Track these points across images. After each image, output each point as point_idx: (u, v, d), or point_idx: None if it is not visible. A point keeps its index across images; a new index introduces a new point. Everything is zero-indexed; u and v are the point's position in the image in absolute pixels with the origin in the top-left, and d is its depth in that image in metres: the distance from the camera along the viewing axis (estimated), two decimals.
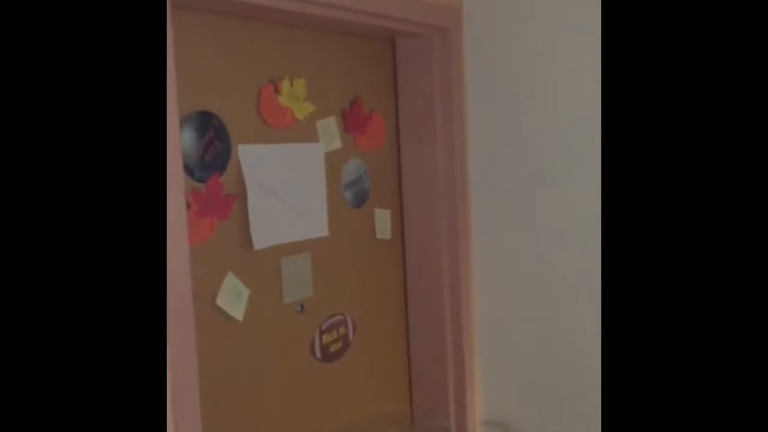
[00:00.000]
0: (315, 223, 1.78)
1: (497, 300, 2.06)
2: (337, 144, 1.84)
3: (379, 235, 1.99)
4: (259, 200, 1.62)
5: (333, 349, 1.86)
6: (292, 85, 1.70)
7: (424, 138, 2.03)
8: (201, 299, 1.49)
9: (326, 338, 1.83)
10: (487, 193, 2.04)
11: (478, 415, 2.11)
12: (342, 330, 1.89)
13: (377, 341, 2.01)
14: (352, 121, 1.88)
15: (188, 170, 1.48)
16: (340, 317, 1.88)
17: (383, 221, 2.00)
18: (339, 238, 1.86)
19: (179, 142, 1.26)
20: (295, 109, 1.71)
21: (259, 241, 1.62)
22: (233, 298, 1.57)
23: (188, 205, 1.46)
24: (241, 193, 1.59)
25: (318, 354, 1.81)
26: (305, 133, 1.75)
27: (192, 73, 1.48)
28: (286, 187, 1.69)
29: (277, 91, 1.67)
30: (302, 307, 1.76)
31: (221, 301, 1.55)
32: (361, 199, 1.93)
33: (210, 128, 1.52)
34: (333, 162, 1.83)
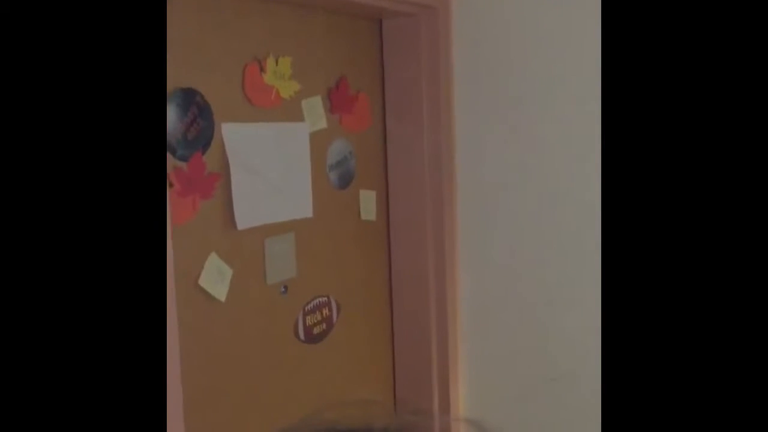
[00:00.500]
0: (299, 204, 1.76)
1: (483, 283, 2.06)
2: (322, 124, 1.82)
3: (363, 217, 1.98)
4: (243, 180, 1.60)
5: (316, 330, 1.85)
6: (277, 63, 1.67)
7: (411, 119, 2.01)
8: (183, 279, 1.47)
9: (310, 320, 1.82)
10: (473, 175, 2.03)
11: (461, 401, 2.11)
12: (326, 312, 1.87)
13: (361, 323, 2.00)
14: (338, 101, 1.86)
15: (170, 148, 1.45)
16: (324, 299, 1.87)
17: (368, 202, 1.99)
18: (323, 218, 1.84)
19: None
20: (280, 87, 1.69)
21: (243, 221, 1.60)
22: (216, 278, 1.55)
23: (170, 184, 1.44)
24: (224, 173, 1.57)
25: (301, 335, 1.80)
26: (290, 112, 1.73)
27: (175, 50, 1.46)
28: (271, 167, 1.67)
29: (262, 69, 1.65)
30: (286, 288, 1.75)
31: (204, 281, 1.53)
32: (346, 180, 1.92)
33: (193, 105, 1.50)
34: (318, 142, 1.81)
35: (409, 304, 2.08)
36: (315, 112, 1.79)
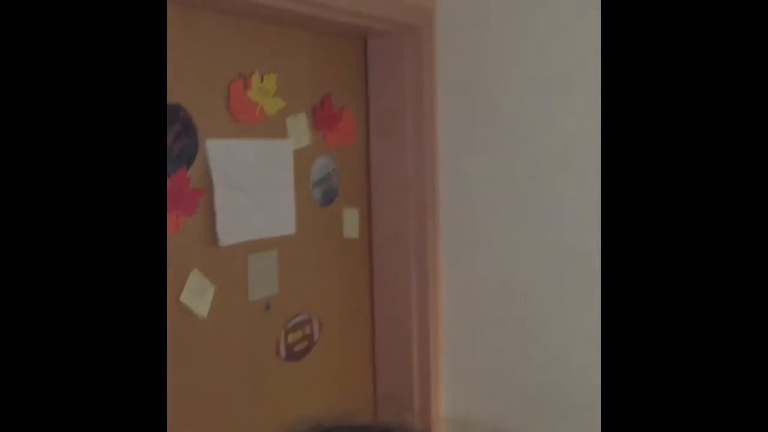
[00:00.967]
0: (282, 221, 1.76)
1: (465, 301, 2.06)
2: (306, 141, 1.82)
3: (346, 234, 1.98)
4: (227, 196, 1.59)
5: (297, 348, 1.84)
6: (262, 80, 1.68)
7: (394, 137, 2.02)
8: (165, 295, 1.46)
9: (291, 337, 1.81)
10: (456, 193, 2.04)
11: (442, 419, 2.11)
12: (307, 329, 1.87)
13: (342, 342, 1.99)
14: (322, 118, 1.87)
15: None
16: (306, 316, 1.86)
17: (351, 220, 1.99)
18: (306, 236, 1.84)
19: None
20: (265, 104, 1.69)
21: (225, 238, 1.60)
22: (198, 294, 1.54)
23: None
24: (207, 189, 1.56)
25: (282, 353, 1.79)
26: (274, 129, 1.73)
27: None
28: (254, 184, 1.67)
29: (246, 85, 1.65)
30: (268, 305, 1.74)
31: (186, 297, 1.52)
32: (329, 197, 1.92)
33: (177, 121, 1.49)
34: (302, 159, 1.81)
35: (391, 323, 2.08)
36: (299, 129, 1.79)
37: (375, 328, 2.09)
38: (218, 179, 1.57)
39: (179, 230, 1.50)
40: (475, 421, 2.06)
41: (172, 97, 1.48)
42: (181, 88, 1.50)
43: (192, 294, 1.53)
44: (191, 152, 1.52)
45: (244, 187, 1.64)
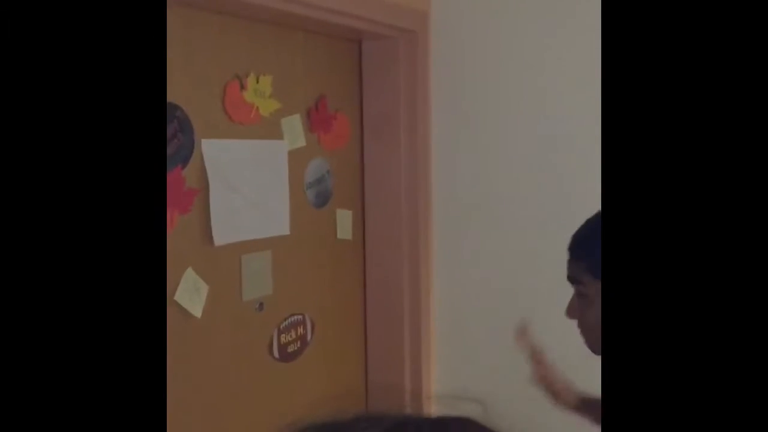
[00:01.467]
0: (276, 221, 1.76)
1: (457, 303, 2.07)
2: (301, 142, 1.83)
3: (340, 235, 1.99)
4: (222, 196, 1.60)
5: (290, 349, 1.84)
6: (258, 81, 1.68)
7: (388, 140, 2.03)
8: None
9: (284, 338, 1.82)
10: (449, 195, 2.05)
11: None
12: (300, 330, 1.87)
13: (335, 342, 2.00)
14: (316, 120, 1.87)
15: None
16: (299, 317, 1.86)
17: (345, 222, 2.00)
18: (300, 237, 1.84)
19: None
20: (261, 105, 1.70)
21: (220, 237, 1.60)
22: (192, 294, 1.55)
23: None
24: (202, 188, 1.57)
25: (276, 353, 1.79)
26: (270, 130, 1.74)
27: None
28: (249, 184, 1.67)
29: (242, 86, 1.66)
30: (261, 305, 1.74)
31: (180, 296, 1.52)
32: (323, 199, 1.93)
33: (174, 120, 1.50)
34: (296, 160, 1.82)
35: (383, 324, 2.09)
36: (294, 131, 1.80)
37: (367, 329, 2.10)
38: (214, 179, 1.58)
39: (173, 228, 1.50)
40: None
41: (169, 97, 1.48)
42: (178, 87, 1.51)
43: (186, 293, 1.53)
44: (187, 151, 1.53)
45: (239, 187, 1.64)
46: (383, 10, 1.85)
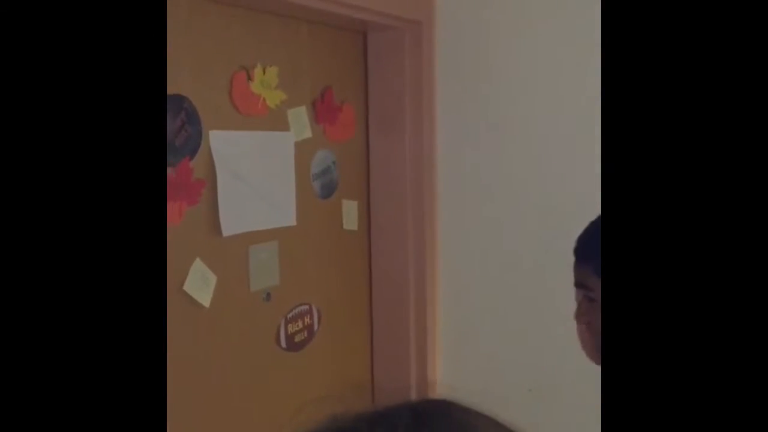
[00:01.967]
0: (283, 212, 1.78)
1: (462, 293, 2.08)
2: (307, 133, 1.84)
3: (346, 226, 2.00)
4: (229, 187, 1.61)
5: (297, 339, 1.85)
6: (264, 72, 1.69)
7: (393, 131, 2.04)
8: (168, 284, 1.47)
9: (291, 328, 1.83)
10: (454, 186, 2.06)
11: None
12: (307, 320, 1.88)
13: (341, 333, 2.01)
14: (322, 111, 1.88)
15: None
16: (306, 307, 1.88)
17: (350, 212, 2.01)
18: (306, 227, 1.86)
19: None
20: (267, 96, 1.70)
21: (228, 228, 1.61)
22: (201, 284, 1.56)
23: None
24: (210, 179, 1.58)
25: (283, 343, 1.81)
26: (276, 121, 1.75)
27: None
28: (256, 175, 1.68)
29: (249, 77, 1.66)
30: (268, 295, 1.76)
31: (189, 287, 1.53)
32: (329, 190, 1.94)
33: (182, 112, 1.51)
34: (303, 151, 1.83)
35: (389, 314, 2.10)
36: (300, 122, 1.81)
37: (373, 319, 2.11)
38: (222, 170, 1.59)
39: (181, 220, 1.51)
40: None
41: (176, 88, 1.49)
42: (185, 79, 1.52)
43: (195, 283, 1.55)
44: (195, 143, 1.54)
45: (247, 178, 1.65)
46: (388, 1, 1.85)
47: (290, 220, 1.79)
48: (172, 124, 1.49)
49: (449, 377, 2.11)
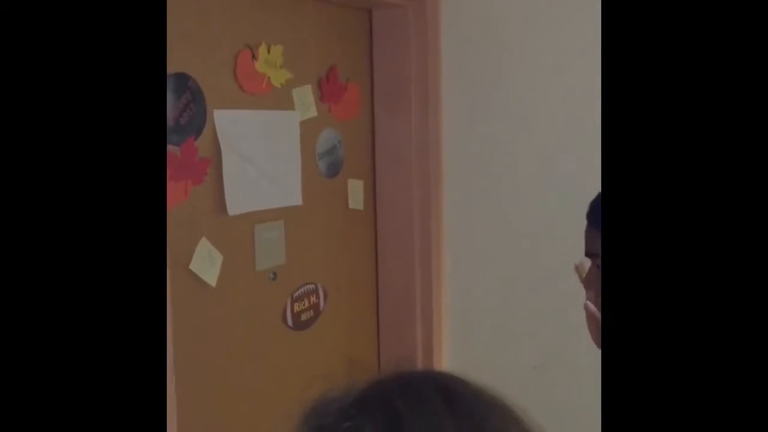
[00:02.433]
0: (289, 192, 1.78)
1: (468, 273, 2.08)
2: (312, 113, 1.83)
3: (351, 205, 2.00)
4: (235, 166, 1.61)
5: (304, 317, 1.86)
6: (269, 51, 1.68)
7: (399, 109, 2.03)
8: (174, 263, 1.48)
9: (297, 307, 1.84)
10: (460, 165, 2.05)
11: None
12: (313, 299, 1.89)
13: (348, 311, 2.02)
14: (327, 90, 1.88)
15: None
16: (312, 286, 1.88)
17: (356, 192, 2.01)
18: (312, 207, 1.86)
19: None
20: (272, 75, 1.70)
21: (234, 207, 1.62)
22: (207, 263, 1.57)
23: None
24: (215, 159, 1.58)
25: (289, 322, 1.81)
26: (281, 100, 1.74)
27: (168, 34, 1.46)
28: (261, 154, 1.68)
29: (254, 56, 1.66)
30: (274, 274, 1.76)
31: (195, 266, 1.54)
32: (334, 169, 1.93)
33: (186, 91, 1.50)
34: (308, 131, 1.83)
35: (395, 293, 2.10)
36: (305, 101, 1.81)
37: (379, 298, 2.12)
38: (227, 149, 1.59)
39: (187, 198, 1.51)
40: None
41: (180, 67, 1.49)
42: (189, 57, 1.51)
43: (201, 262, 1.55)
44: (200, 122, 1.54)
45: (252, 157, 1.65)
46: None
47: (296, 199, 1.79)
48: (176, 103, 1.48)
49: (455, 355, 2.12)
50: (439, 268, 2.09)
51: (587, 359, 1.64)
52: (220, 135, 1.58)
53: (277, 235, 1.76)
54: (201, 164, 1.55)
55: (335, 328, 1.97)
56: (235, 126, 1.61)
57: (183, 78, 1.49)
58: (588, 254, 1.14)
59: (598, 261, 1.11)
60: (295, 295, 1.83)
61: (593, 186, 1.30)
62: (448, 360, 2.13)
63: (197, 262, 1.55)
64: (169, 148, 1.47)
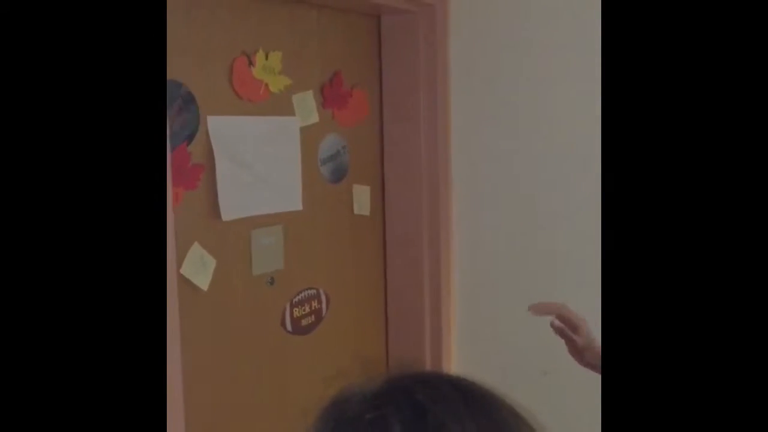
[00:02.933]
0: (288, 197, 1.79)
1: (477, 278, 2.06)
2: (314, 118, 1.84)
3: (357, 211, 2.00)
4: (229, 171, 1.63)
5: (304, 322, 1.87)
6: (267, 57, 1.70)
7: (408, 115, 2.02)
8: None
9: (297, 312, 1.84)
10: (469, 171, 2.04)
11: None
12: (315, 304, 1.90)
13: (353, 317, 2.02)
14: (331, 96, 1.88)
15: None
16: (313, 291, 1.89)
17: (362, 197, 2.01)
18: (314, 212, 1.86)
19: None
20: (270, 82, 1.71)
21: (228, 213, 1.63)
22: (198, 267, 1.59)
23: None
24: (209, 164, 1.60)
25: (288, 327, 1.82)
26: (280, 106, 1.76)
27: None
28: (258, 160, 1.70)
29: (251, 63, 1.67)
30: (272, 279, 1.77)
31: (185, 270, 1.56)
32: (339, 174, 1.94)
33: (178, 98, 1.53)
34: (309, 136, 1.83)
35: (404, 299, 2.09)
36: (306, 107, 1.81)
37: (387, 305, 2.11)
38: (220, 155, 1.60)
39: (179, 204, 1.54)
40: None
41: (174, 74, 1.51)
42: (183, 64, 1.53)
43: (192, 266, 1.57)
44: (192, 128, 1.56)
45: (247, 162, 1.67)
46: None
47: (296, 204, 1.80)
48: (168, 110, 1.51)
49: (464, 362, 2.10)
50: (449, 274, 2.08)
51: None
52: (213, 140, 1.59)
53: (276, 240, 1.77)
54: (194, 170, 1.57)
55: (339, 334, 1.97)
56: (230, 131, 1.63)
57: (174, 85, 1.52)
58: None
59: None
60: (294, 300, 1.84)
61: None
62: (456, 368, 2.11)
63: (189, 266, 1.57)
64: None
